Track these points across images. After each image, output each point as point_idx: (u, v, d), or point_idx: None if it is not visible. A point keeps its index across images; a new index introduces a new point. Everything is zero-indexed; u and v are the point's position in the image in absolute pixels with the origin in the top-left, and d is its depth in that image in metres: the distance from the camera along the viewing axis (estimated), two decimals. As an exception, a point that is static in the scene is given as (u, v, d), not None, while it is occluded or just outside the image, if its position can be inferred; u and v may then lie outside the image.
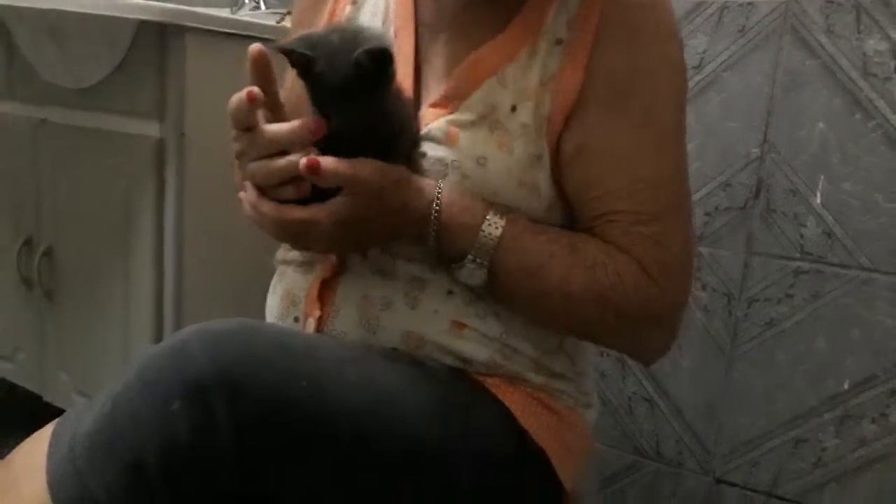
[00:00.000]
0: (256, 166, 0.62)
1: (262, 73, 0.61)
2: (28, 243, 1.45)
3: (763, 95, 1.07)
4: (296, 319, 0.73)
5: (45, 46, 1.32)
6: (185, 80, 1.21)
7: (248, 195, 0.65)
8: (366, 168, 0.61)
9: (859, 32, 1.00)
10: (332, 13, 0.78)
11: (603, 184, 0.68)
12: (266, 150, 0.61)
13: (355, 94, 0.60)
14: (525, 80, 0.69)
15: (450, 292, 0.69)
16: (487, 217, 0.65)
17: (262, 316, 0.80)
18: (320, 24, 0.79)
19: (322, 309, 0.71)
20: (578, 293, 0.66)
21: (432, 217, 0.65)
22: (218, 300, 1.33)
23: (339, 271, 0.71)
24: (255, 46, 0.61)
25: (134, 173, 1.27)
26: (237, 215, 0.68)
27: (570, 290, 0.66)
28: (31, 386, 1.52)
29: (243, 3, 1.44)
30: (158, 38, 1.20)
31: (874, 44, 1.00)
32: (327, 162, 0.60)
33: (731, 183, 1.12)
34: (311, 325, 0.71)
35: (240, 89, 0.61)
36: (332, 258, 0.71)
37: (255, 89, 0.60)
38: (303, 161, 0.59)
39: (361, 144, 0.62)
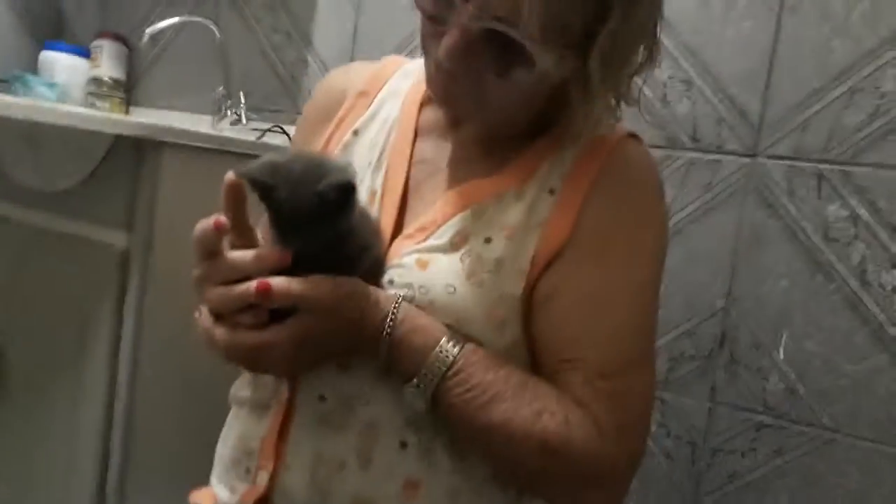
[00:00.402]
0: (215, 293, 0.61)
1: (235, 203, 0.62)
2: (-25, 340, 1.39)
3: (728, 249, 1.10)
4: (247, 471, 0.70)
5: (18, 149, 1.31)
6: (158, 192, 1.20)
7: (202, 320, 0.63)
8: (319, 285, 0.61)
9: (820, 198, 1.04)
10: (330, 139, 0.80)
11: (571, 328, 0.67)
12: (226, 277, 0.61)
13: (316, 223, 0.61)
14: (504, 218, 0.70)
15: (403, 444, 0.66)
16: (441, 343, 0.64)
17: (213, 446, 0.76)
18: (317, 148, 0.80)
19: (275, 462, 0.68)
20: (520, 436, 0.63)
21: (385, 332, 0.63)
22: (170, 422, 1.27)
23: (292, 418, 0.68)
24: (231, 175, 0.61)
25: (95, 282, 1.24)
26: (198, 337, 0.66)
27: (511, 432, 0.63)
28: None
29: (225, 114, 1.46)
30: (135, 149, 1.20)
31: (835, 210, 1.03)
32: (279, 283, 0.59)
33: (696, 332, 1.12)
34: (263, 478, 0.68)
35: (213, 206, 0.61)
36: (285, 399, 0.69)
37: (223, 219, 0.60)
38: (253, 285, 0.59)
39: (321, 264, 0.62)
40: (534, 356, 0.70)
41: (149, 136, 1.18)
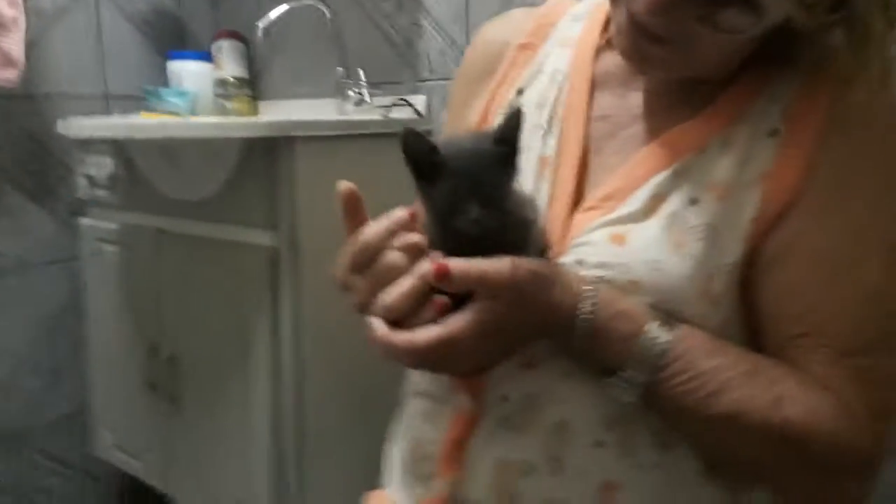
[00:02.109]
0: (388, 299, 0.55)
1: (354, 208, 0.57)
2: (153, 349, 1.47)
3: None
4: (425, 476, 0.66)
5: (160, 166, 1.35)
6: (296, 188, 1.19)
7: (377, 334, 0.57)
8: (498, 263, 0.54)
9: None
10: (493, 99, 0.72)
11: (808, 295, 0.57)
12: (391, 277, 0.55)
13: (492, 178, 0.54)
14: (713, 173, 0.60)
15: (599, 443, 0.59)
16: (647, 328, 0.56)
17: (384, 428, 0.74)
18: (477, 111, 0.73)
19: (454, 469, 0.63)
20: (758, 428, 0.55)
21: (580, 318, 0.56)
22: (338, 409, 1.29)
23: (471, 421, 0.62)
24: (344, 184, 0.56)
25: (249, 282, 1.26)
26: (355, 323, 0.61)
27: (746, 424, 0.55)
28: (158, 485, 1.54)
29: (347, 96, 1.42)
30: (267, 149, 1.19)
31: None
32: (457, 262, 0.53)
33: None
34: (444, 487, 0.63)
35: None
36: (466, 405, 0.63)
37: (413, 209, 0.55)
38: (429, 267, 0.53)
39: (487, 249, 0.55)
40: (753, 331, 0.60)
41: (277, 135, 1.17)
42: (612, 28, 0.62)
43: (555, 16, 0.75)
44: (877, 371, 0.57)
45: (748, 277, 0.59)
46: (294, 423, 1.26)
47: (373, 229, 0.56)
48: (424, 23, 1.41)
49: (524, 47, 0.73)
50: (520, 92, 0.71)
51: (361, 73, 1.42)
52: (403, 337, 0.55)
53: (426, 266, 0.54)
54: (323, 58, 1.54)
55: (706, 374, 0.56)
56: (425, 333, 0.54)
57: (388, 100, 1.38)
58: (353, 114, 1.37)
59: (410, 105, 1.35)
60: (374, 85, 1.45)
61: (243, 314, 1.28)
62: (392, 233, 0.56)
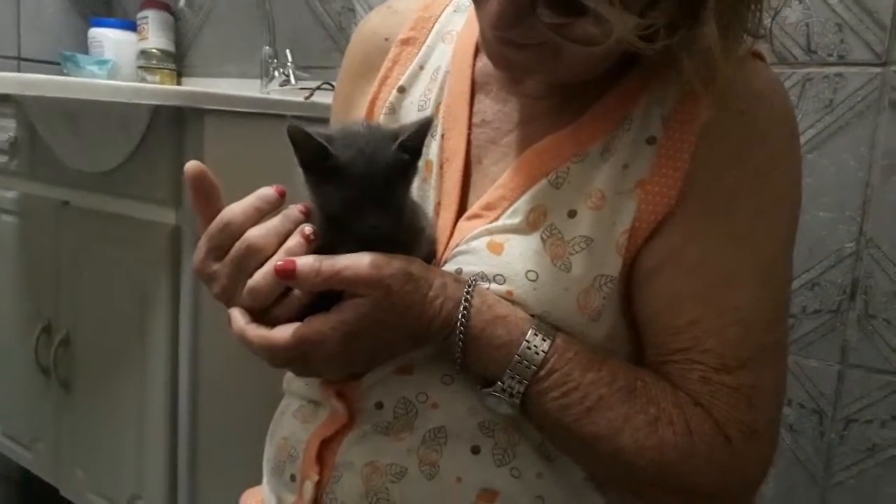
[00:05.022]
0: (252, 281, 0.52)
1: (205, 193, 0.53)
2: (47, 330, 1.39)
3: (858, 181, 0.91)
4: (292, 478, 0.61)
5: (63, 132, 1.26)
6: (203, 164, 1.12)
7: (234, 326, 0.53)
8: (357, 259, 0.50)
9: (977, 108, 0.84)
10: (375, 98, 0.68)
11: (686, 310, 0.55)
12: (250, 261, 0.51)
13: (392, 185, 0.51)
14: (591, 182, 0.57)
15: (475, 450, 0.55)
16: (527, 336, 0.53)
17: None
18: (362, 110, 0.69)
19: (322, 471, 0.58)
20: (632, 449, 0.53)
21: (458, 323, 0.52)
22: (234, 394, 1.22)
23: (344, 428, 0.58)
24: (192, 164, 0.53)
25: (151, 261, 1.19)
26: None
27: (621, 444, 0.53)
28: (48, 478, 1.44)
29: (273, 76, 1.36)
30: (175, 121, 1.12)
31: None
32: (304, 260, 0.49)
33: (820, 282, 0.95)
34: (308, 489, 0.58)
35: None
36: (339, 409, 0.58)
37: (282, 187, 0.54)
38: (274, 264, 0.50)
39: (379, 248, 0.52)
40: (636, 344, 0.58)
41: (187, 105, 1.10)
42: (480, 38, 0.59)
43: (437, 7, 0.71)
44: (753, 388, 0.55)
45: (629, 290, 0.57)
46: (189, 414, 1.19)
47: (237, 208, 0.53)
48: (358, 7, 1.37)
49: (405, 42, 0.69)
50: (401, 90, 0.67)
51: (289, 53, 1.37)
52: (259, 332, 0.52)
53: (295, 241, 0.51)
54: (252, 37, 1.48)
55: (581, 388, 0.53)
56: (283, 331, 0.51)
57: (313, 83, 1.32)
58: (275, 94, 1.30)
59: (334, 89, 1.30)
60: (303, 68, 1.39)
61: (143, 294, 1.21)
62: (260, 211, 0.53)
